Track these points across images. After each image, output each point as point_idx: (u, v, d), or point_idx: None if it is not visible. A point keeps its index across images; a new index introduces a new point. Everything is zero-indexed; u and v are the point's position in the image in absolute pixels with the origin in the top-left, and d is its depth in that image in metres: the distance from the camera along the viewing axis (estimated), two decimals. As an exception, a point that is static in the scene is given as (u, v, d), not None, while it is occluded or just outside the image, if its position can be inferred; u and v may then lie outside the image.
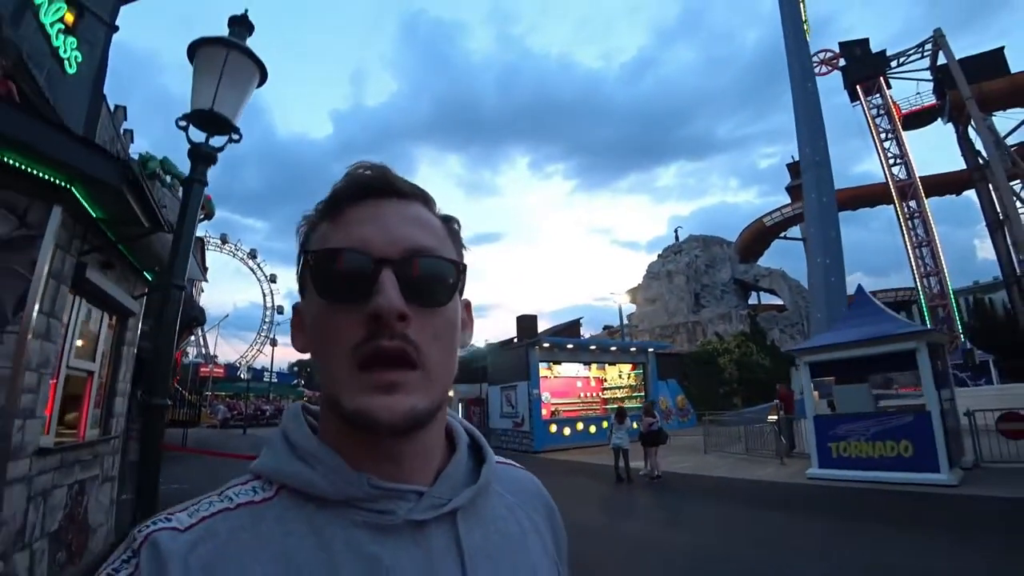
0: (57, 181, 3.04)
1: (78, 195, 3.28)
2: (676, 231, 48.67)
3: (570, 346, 19.74)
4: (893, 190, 30.01)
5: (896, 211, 29.98)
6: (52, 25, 8.90)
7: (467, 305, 0.57)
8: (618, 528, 6.90)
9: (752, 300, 44.24)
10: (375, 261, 0.46)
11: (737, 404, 25.34)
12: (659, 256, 47.04)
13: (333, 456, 0.47)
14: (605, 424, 16.78)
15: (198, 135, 2.34)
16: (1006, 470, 8.50)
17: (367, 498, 0.46)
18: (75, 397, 4.34)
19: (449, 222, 0.56)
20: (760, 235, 42.41)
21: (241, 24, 2.49)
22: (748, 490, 8.77)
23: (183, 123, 2.27)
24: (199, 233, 10.56)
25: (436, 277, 0.49)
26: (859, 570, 4.69)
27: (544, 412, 17.74)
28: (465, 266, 0.53)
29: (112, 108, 12.39)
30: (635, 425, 12.47)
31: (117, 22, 11.62)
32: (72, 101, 9.21)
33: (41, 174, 2.95)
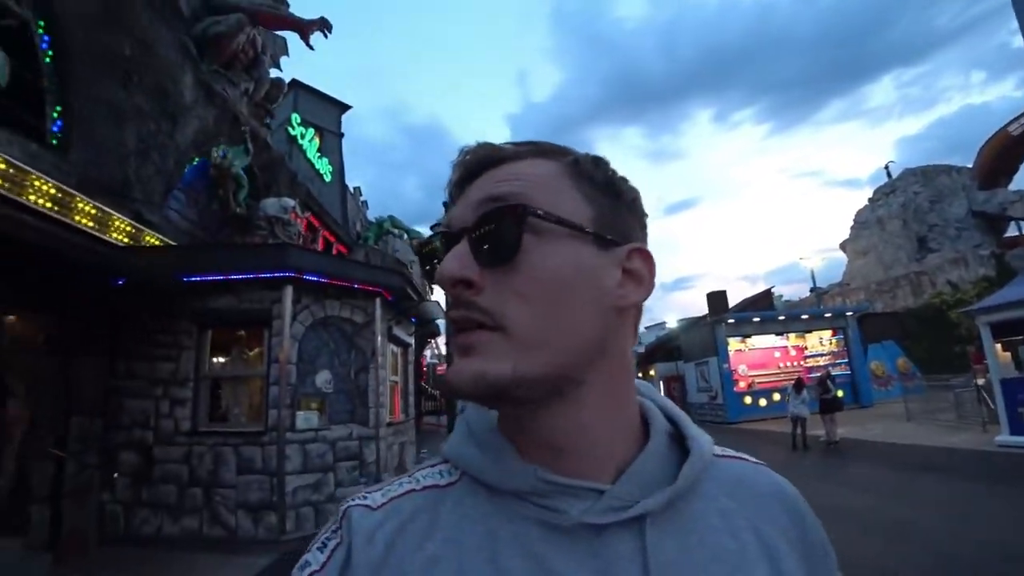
0: (377, 288, 6.16)
1: (385, 293, 6.40)
2: (887, 167, 41.79)
3: (756, 319, 19.85)
4: None
5: None
6: (313, 155, 13.50)
7: (635, 251, 0.47)
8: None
9: (1013, 231, 35.72)
10: (458, 233, 0.45)
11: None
12: (868, 201, 41.04)
13: (503, 443, 0.45)
14: (780, 396, 16.89)
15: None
16: None
17: (536, 492, 0.42)
18: (391, 396, 7.68)
19: (571, 160, 0.47)
20: (1006, 149, 34.07)
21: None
22: (923, 456, 8.87)
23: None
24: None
25: (495, 229, 0.43)
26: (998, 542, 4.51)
27: (742, 384, 18.44)
28: (524, 207, 0.42)
29: (353, 190, 17.34)
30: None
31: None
32: (331, 199, 13.79)
33: (370, 287, 6.07)
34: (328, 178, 13.82)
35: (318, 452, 6.01)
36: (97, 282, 5.90)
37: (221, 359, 6.54)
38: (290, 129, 12.75)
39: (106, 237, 5.82)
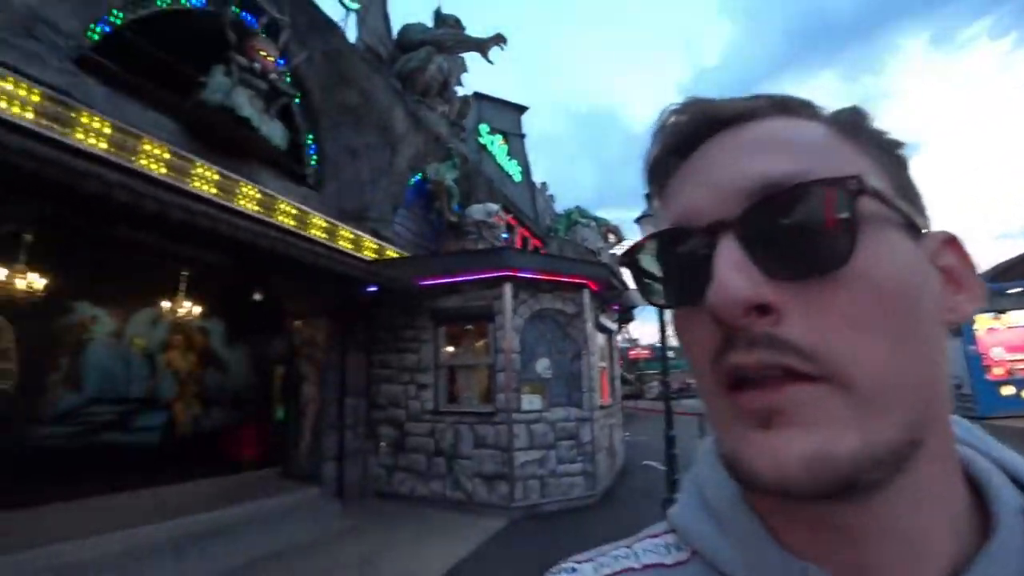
0: (584, 280, 6.76)
1: (591, 285, 6.98)
2: None
3: (1016, 290, 15.95)
4: None
5: None
6: (503, 158, 14.50)
7: (948, 241, 0.32)
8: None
9: None
10: (704, 231, 0.29)
11: None
12: None
13: (753, 523, 0.32)
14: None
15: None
16: None
17: None
18: (600, 380, 8.14)
19: (848, 115, 0.33)
20: None
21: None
22: None
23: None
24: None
25: (804, 220, 0.27)
26: None
27: (997, 371, 15.12)
28: (858, 179, 0.27)
29: (540, 185, 18.27)
30: None
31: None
32: (522, 197, 14.66)
33: (578, 280, 6.67)
34: (518, 178, 14.86)
35: (541, 432, 6.69)
36: (357, 292, 7.37)
37: (453, 349, 7.65)
38: (479, 138, 14.00)
39: (361, 255, 7.29)
